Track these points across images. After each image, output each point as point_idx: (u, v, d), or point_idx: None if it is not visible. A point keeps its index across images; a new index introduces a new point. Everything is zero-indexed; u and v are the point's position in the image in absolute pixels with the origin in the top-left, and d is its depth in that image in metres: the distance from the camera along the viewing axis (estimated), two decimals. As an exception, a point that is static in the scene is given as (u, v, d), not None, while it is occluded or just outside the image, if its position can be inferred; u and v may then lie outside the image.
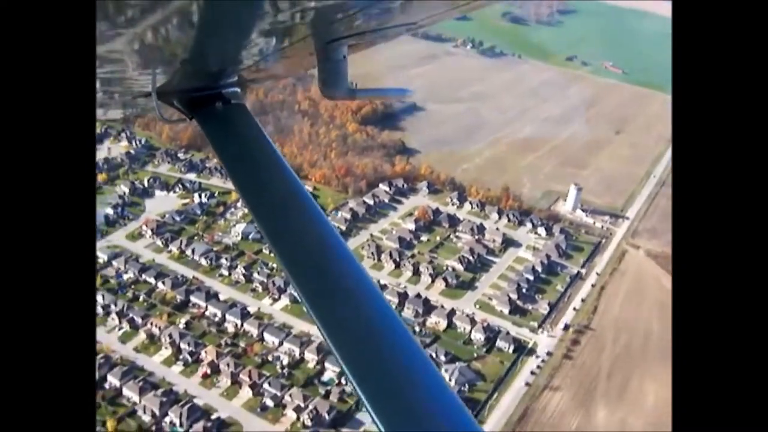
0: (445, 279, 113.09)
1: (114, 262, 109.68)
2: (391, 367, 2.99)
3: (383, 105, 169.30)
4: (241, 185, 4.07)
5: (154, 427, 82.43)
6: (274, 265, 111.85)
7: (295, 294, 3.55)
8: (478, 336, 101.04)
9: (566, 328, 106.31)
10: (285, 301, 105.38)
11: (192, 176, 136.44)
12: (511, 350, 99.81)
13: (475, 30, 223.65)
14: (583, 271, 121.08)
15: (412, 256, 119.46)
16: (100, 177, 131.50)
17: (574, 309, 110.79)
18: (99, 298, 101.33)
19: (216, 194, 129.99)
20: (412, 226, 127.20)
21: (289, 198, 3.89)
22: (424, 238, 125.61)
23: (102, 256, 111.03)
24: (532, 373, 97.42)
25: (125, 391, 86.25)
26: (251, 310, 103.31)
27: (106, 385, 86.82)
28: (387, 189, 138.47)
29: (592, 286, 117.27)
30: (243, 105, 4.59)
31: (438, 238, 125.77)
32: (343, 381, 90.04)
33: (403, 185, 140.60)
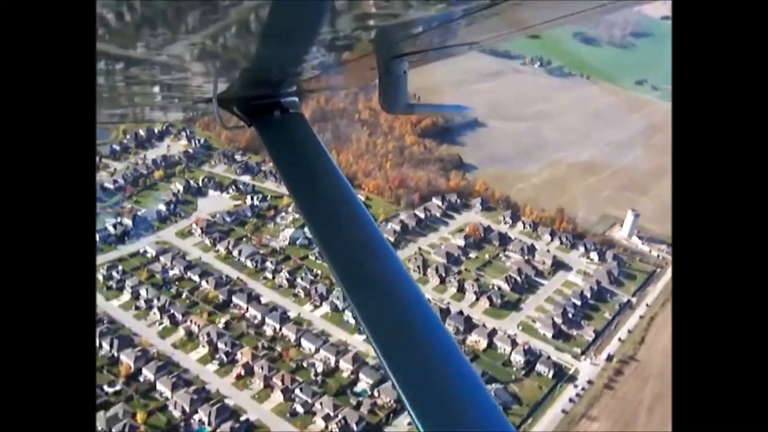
0: (489, 298, 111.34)
1: (161, 258, 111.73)
2: (434, 372, 3.08)
3: (444, 119, 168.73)
4: (296, 192, 4.16)
5: (182, 424, 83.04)
6: (319, 272, 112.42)
7: (345, 299, 3.73)
8: (517, 358, 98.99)
9: (609, 358, 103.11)
10: (326, 308, 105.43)
11: (246, 178, 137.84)
12: (550, 375, 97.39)
13: (544, 48, 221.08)
14: (634, 300, 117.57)
15: (459, 272, 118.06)
16: (157, 173, 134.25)
17: (620, 340, 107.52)
18: (143, 292, 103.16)
19: (268, 198, 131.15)
20: (461, 242, 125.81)
21: (342, 207, 3.98)
22: (472, 255, 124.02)
23: (150, 251, 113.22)
24: (570, 400, 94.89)
25: (159, 386, 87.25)
26: (291, 314, 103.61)
27: (141, 378, 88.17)
28: (439, 203, 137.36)
29: (641, 317, 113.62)
30: (301, 114, 4.69)
31: (486, 256, 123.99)
32: (375, 393, 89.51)
33: (456, 200, 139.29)
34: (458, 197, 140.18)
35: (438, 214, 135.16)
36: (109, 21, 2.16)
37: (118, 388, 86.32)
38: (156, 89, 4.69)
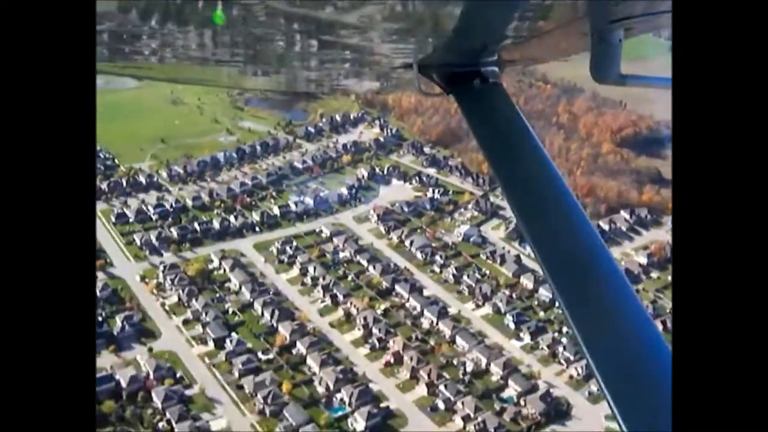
0: (663, 322, 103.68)
1: (334, 239, 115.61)
2: (642, 373, 3.04)
3: (648, 129, 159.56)
4: (496, 164, 4.18)
5: (323, 400, 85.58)
6: (487, 272, 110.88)
7: (546, 279, 3.59)
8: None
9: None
10: (487, 309, 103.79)
11: (431, 171, 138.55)
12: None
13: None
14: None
15: (636, 291, 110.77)
16: (345, 158, 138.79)
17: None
18: (311, 269, 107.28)
19: (450, 192, 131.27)
20: (643, 260, 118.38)
21: (544, 182, 3.95)
22: (653, 275, 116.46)
23: (326, 232, 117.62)
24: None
25: (309, 360, 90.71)
26: (451, 311, 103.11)
27: (293, 351, 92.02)
28: (627, 217, 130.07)
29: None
30: (501, 85, 4.67)
31: (669, 279, 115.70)
32: (521, 402, 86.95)
33: (646, 216, 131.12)
34: (649, 213, 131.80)
35: (623, 228, 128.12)
36: None
37: (270, 356, 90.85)
38: (348, 53, 4.67)
